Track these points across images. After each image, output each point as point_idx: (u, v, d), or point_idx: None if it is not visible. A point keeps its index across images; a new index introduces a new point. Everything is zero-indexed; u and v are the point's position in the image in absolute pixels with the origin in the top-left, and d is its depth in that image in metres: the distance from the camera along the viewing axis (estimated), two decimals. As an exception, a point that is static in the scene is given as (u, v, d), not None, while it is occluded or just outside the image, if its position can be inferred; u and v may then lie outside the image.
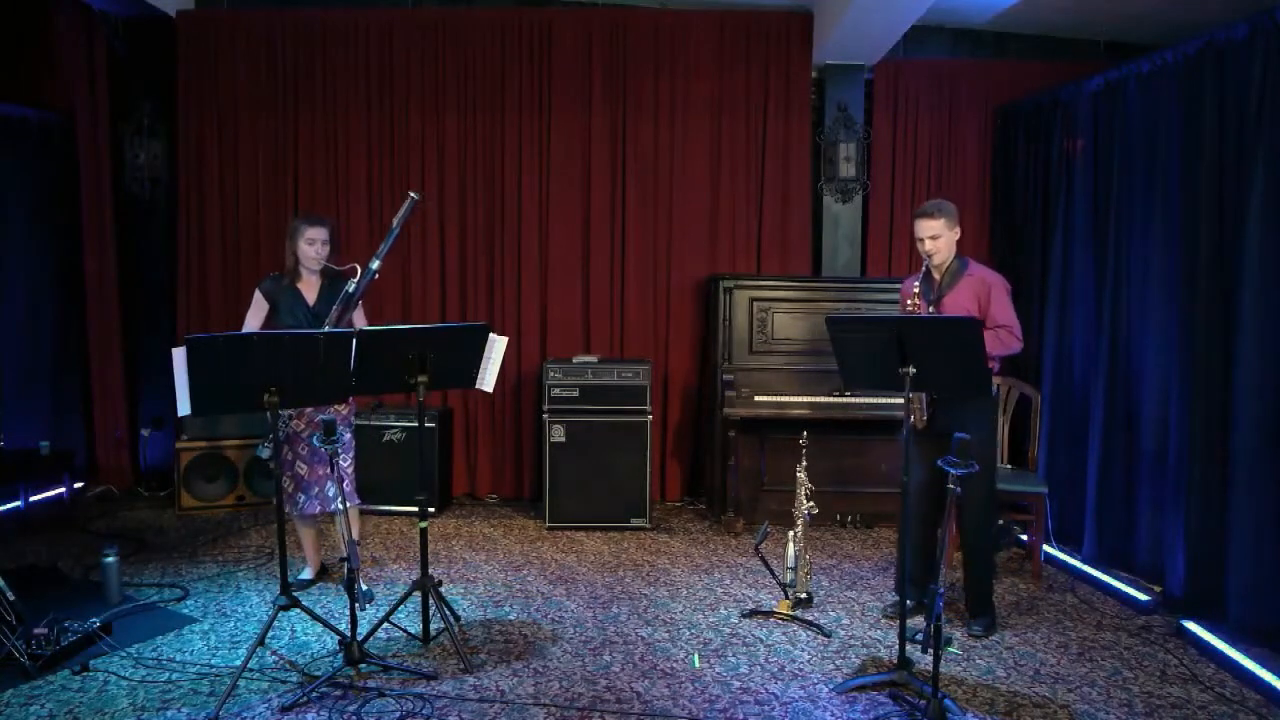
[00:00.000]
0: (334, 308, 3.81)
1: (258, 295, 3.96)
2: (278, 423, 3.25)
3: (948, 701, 2.96)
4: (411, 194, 3.84)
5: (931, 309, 3.65)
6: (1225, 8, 4.43)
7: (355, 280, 3.82)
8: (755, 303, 5.28)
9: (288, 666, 3.28)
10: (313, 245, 3.89)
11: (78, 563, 4.42)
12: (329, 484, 3.93)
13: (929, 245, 3.66)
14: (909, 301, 3.67)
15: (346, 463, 3.98)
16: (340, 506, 3.27)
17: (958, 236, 3.71)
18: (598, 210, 5.74)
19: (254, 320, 3.94)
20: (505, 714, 2.97)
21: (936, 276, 3.72)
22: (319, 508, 3.97)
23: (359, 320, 4.00)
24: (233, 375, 3.04)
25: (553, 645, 3.52)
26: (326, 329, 3.72)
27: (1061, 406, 4.92)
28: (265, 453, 3.65)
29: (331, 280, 3.96)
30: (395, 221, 3.81)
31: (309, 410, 3.89)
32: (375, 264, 3.82)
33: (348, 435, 4.00)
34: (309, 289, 3.97)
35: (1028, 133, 5.43)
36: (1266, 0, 3.51)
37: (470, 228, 5.76)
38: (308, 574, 4.16)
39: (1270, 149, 3.49)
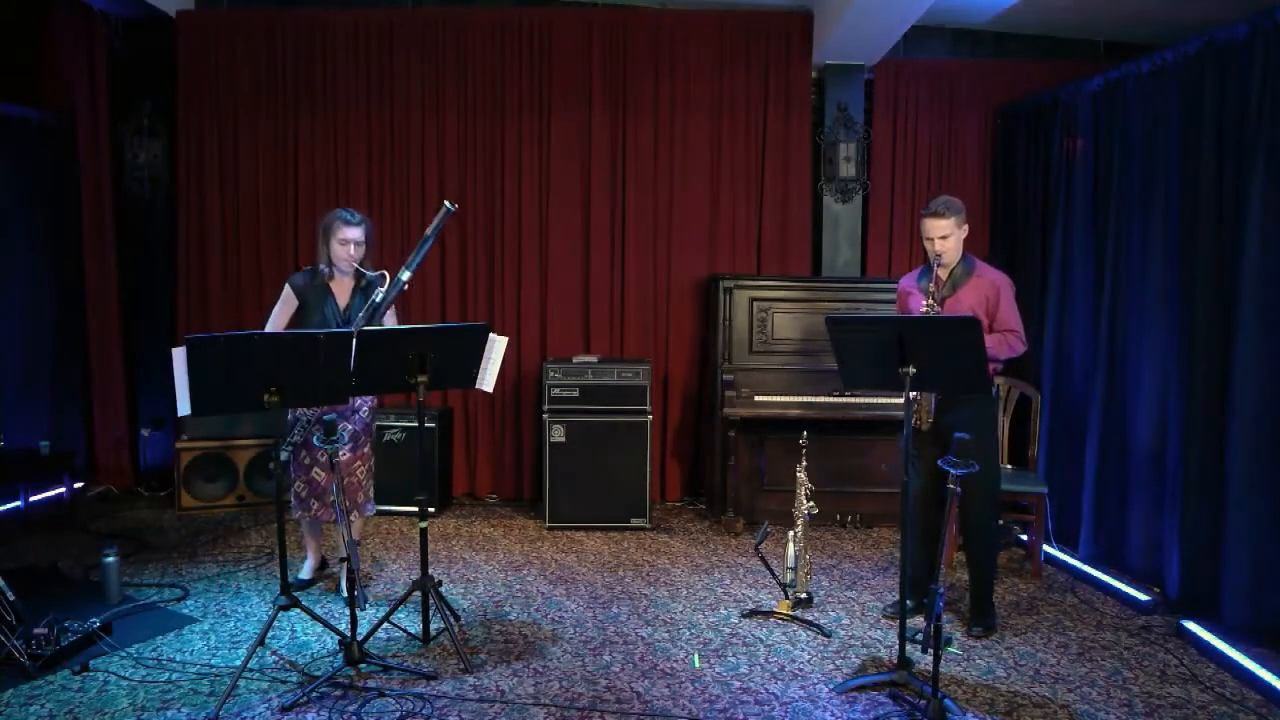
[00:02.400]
0: (359, 315, 3.72)
1: (287, 290, 3.84)
2: (284, 424, 3.24)
3: (948, 701, 2.96)
4: (447, 204, 3.68)
5: (939, 309, 3.60)
6: (1225, 8, 4.43)
7: (382, 290, 3.71)
8: (755, 303, 5.28)
9: (288, 666, 3.28)
10: (345, 246, 3.76)
11: (78, 563, 4.42)
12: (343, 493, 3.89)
13: (939, 245, 3.58)
14: (924, 305, 3.58)
15: (363, 473, 3.94)
16: (347, 520, 3.26)
17: (965, 234, 3.66)
18: (597, 210, 5.74)
19: (281, 315, 3.84)
20: (505, 714, 2.97)
21: (943, 276, 3.65)
22: (329, 517, 3.91)
23: (389, 324, 3.88)
24: (233, 375, 3.04)
25: (553, 645, 3.53)
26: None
27: (1061, 406, 4.92)
28: (286, 455, 3.62)
29: (368, 282, 3.83)
30: (429, 231, 3.68)
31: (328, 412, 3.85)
32: (405, 275, 3.71)
33: (367, 447, 3.95)
34: (341, 290, 3.86)
35: (1028, 133, 5.43)
36: (1266, 0, 3.51)
37: (470, 227, 5.76)
38: (306, 573, 4.14)
39: (1270, 149, 3.49)
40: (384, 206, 5.71)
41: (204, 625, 3.68)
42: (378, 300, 3.71)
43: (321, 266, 3.86)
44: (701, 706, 3.03)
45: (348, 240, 3.77)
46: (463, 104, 5.71)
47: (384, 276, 3.74)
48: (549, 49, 5.68)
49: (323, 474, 3.87)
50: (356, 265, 3.81)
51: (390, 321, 3.91)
